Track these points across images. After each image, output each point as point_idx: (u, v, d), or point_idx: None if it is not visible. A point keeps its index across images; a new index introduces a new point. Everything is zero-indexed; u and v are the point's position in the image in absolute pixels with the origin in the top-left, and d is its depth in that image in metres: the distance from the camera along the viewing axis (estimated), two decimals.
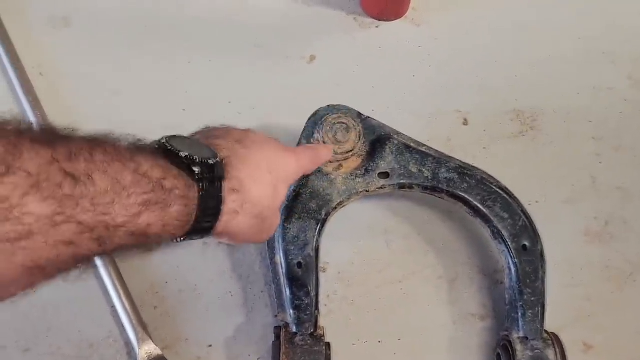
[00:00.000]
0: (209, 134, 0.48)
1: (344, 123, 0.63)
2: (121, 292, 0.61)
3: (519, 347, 0.58)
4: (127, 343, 0.61)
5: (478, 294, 0.65)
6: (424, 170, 0.63)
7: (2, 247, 0.30)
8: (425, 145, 0.65)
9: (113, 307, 0.62)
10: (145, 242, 0.38)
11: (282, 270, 0.59)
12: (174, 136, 0.42)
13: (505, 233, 0.61)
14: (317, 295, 0.59)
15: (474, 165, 0.64)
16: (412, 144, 0.64)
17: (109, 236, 0.35)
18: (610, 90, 0.77)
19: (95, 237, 0.34)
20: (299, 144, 0.63)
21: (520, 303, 0.59)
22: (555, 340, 0.58)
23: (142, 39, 0.77)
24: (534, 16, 0.82)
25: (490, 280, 0.66)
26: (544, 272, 0.60)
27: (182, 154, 0.40)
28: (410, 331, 0.64)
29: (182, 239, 0.42)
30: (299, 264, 0.59)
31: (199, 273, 0.65)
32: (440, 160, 0.64)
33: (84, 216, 0.33)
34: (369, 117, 0.65)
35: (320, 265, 0.62)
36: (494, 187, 0.62)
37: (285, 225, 0.60)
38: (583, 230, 0.69)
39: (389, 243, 0.67)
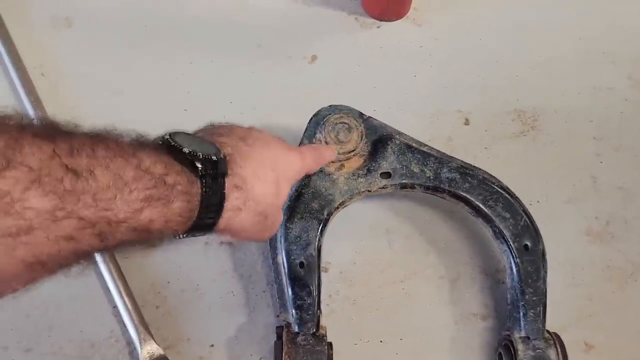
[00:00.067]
0: (212, 131, 0.48)
1: (345, 123, 0.63)
2: (123, 291, 0.61)
3: (520, 346, 0.58)
4: (129, 343, 0.61)
5: (480, 294, 0.66)
6: (425, 170, 0.63)
7: (3, 242, 0.30)
8: (426, 145, 0.65)
9: (115, 306, 0.62)
10: (147, 237, 0.38)
11: (284, 270, 0.59)
12: (178, 132, 0.42)
13: (506, 233, 0.61)
14: (319, 295, 0.59)
15: (475, 165, 0.65)
16: (413, 144, 0.64)
17: (111, 232, 0.35)
18: (611, 90, 0.78)
19: (96, 233, 0.34)
20: (300, 143, 0.64)
21: (522, 303, 0.59)
22: (556, 340, 0.58)
23: (144, 40, 0.77)
24: (535, 16, 0.82)
25: (492, 280, 0.66)
26: (546, 272, 0.60)
27: (185, 149, 0.40)
28: (412, 331, 0.64)
29: (184, 235, 0.42)
30: (301, 264, 0.59)
31: (201, 273, 0.65)
32: (441, 160, 0.64)
33: (86, 211, 0.33)
34: (370, 117, 0.65)
35: (322, 265, 0.62)
36: (495, 187, 0.63)
37: (288, 225, 0.60)
38: (584, 230, 0.69)
39: (391, 243, 0.68)
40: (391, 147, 0.64)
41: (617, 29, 0.82)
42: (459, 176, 0.63)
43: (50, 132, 0.33)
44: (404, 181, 0.63)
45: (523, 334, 0.59)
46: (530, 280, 0.60)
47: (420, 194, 0.65)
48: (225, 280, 0.64)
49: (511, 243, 0.61)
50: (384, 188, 0.63)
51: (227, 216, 0.43)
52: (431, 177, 0.63)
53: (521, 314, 0.59)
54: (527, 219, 0.62)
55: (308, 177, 0.62)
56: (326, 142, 0.63)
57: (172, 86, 0.74)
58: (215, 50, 0.77)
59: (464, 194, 0.63)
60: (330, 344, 0.58)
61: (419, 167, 0.63)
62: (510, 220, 0.61)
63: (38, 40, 0.75)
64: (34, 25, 0.76)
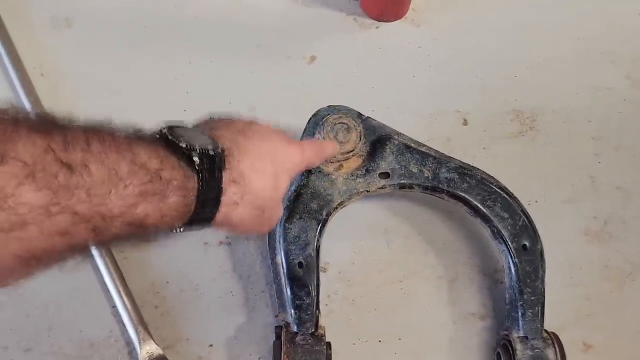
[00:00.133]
0: (212, 124, 0.47)
1: (344, 123, 0.64)
2: (122, 291, 0.61)
3: (519, 346, 0.58)
4: (129, 343, 0.61)
5: (478, 294, 0.66)
6: (424, 170, 0.63)
7: None
8: (425, 146, 0.65)
9: (114, 307, 0.62)
10: (143, 232, 0.38)
11: (283, 270, 0.59)
12: (176, 125, 0.42)
13: (505, 233, 0.61)
14: (318, 295, 0.59)
15: (474, 165, 0.65)
16: (412, 145, 0.64)
17: (106, 227, 0.35)
18: (610, 90, 0.78)
19: (91, 228, 0.34)
20: None
21: (521, 303, 0.59)
22: (555, 340, 0.58)
23: (143, 40, 0.77)
24: (534, 16, 0.82)
25: (491, 280, 0.66)
26: (544, 272, 0.60)
27: (182, 144, 0.39)
28: (411, 331, 0.64)
29: (181, 229, 0.41)
30: (300, 264, 0.59)
31: (200, 273, 0.65)
32: (440, 160, 0.64)
33: (80, 207, 0.33)
34: (369, 118, 0.65)
35: (321, 265, 0.62)
36: (494, 187, 0.63)
37: (287, 225, 0.60)
38: (583, 230, 0.69)
39: (390, 243, 0.68)
40: (390, 148, 0.64)
41: (617, 29, 0.82)
42: (457, 176, 0.63)
43: (46, 126, 0.33)
44: (402, 181, 0.63)
45: (522, 334, 0.59)
46: (528, 281, 0.60)
47: (419, 194, 0.65)
48: (225, 281, 0.65)
49: (510, 243, 0.61)
50: (382, 188, 0.63)
51: (225, 211, 0.42)
52: (430, 178, 0.63)
53: (520, 314, 0.59)
54: (525, 219, 0.62)
55: (307, 177, 0.62)
56: None
57: (171, 86, 0.74)
58: (214, 50, 0.77)
59: (463, 194, 0.63)
60: (329, 344, 0.58)
61: (418, 167, 0.63)
62: (509, 220, 0.61)
63: (38, 41, 0.76)
64: (33, 26, 0.77)
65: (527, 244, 0.61)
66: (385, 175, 0.63)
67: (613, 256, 0.68)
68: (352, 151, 0.63)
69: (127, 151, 0.36)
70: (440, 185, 0.63)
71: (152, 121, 0.43)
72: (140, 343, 0.60)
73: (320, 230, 0.60)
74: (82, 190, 0.33)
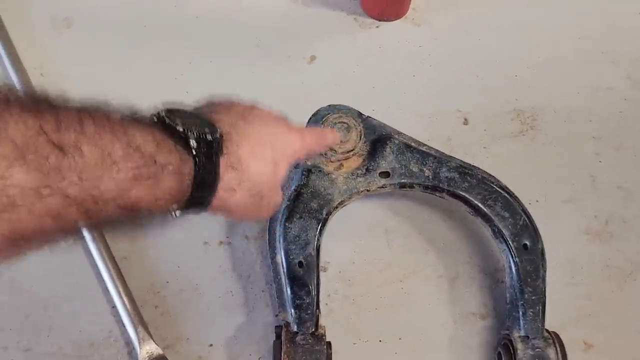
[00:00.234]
0: (212, 107, 0.46)
1: (344, 122, 0.64)
2: (122, 291, 0.61)
3: (519, 346, 0.58)
4: (128, 342, 0.61)
5: (479, 293, 0.66)
6: (424, 169, 0.63)
7: None
8: (425, 145, 0.65)
9: (114, 306, 0.62)
10: (135, 215, 0.37)
11: (283, 269, 0.59)
12: (174, 108, 0.41)
13: (505, 232, 0.61)
14: (317, 294, 0.59)
15: (474, 164, 0.65)
16: (412, 144, 0.64)
17: (98, 209, 0.34)
18: (610, 89, 0.78)
19: (82, 210, 0.33)
20: None
21: (521, 302, 0.59)
22: (555, 339, 0.58)
23: (143, 40, 0.77)
24: (534, 16, 0.82)
25: (491, 279, 0.66)
26: (545, 271, 0.60)
27: (179, 127, 0.38)
28: (411, 330, 0.64)
29: (177, 213, 0.41)
30: (300, 263, 0.59)
31: (200, 272, 0.65)
32: (440, 159, 0.64)
33: (71, 189, 0.32)
34: (369, 117, 0.65)
35: (321, 264, 0.62)
36: (494, 187, 0.63)
37: (287, 224, 0.60)
38: (583, 229, 0.69)
39: (390, 242, 0.68)
40: (390, 147, 0.64)
41: (617, 29, 0.82)
42: (457, 175, 0.63)
43: (38, 106, 0.32)
44: (402, 181, 0.63)
45: (522, 333, 0.58)
46: (529, 280, 0.60)
47: (419, 193, 0.65)
48: (224, 280, 0.64)
49: (510, 242, 0.61)
50: (382, 187, 0.63)
51: (221, 196, 0.42)
52: (430, 177, 0.63)
53: (520, 313, 0.59)
54: (526, 218, 0.62)
55: (307, 176, 0.62)
56: None
57: (171, 86, 0.74)
58: (214, 50, 0.77)
59: (463, 194, 0.62)
60: (329, 344, 0.58)
61: (418, 166, 0.63)
62: (510, 219, 0.61)
63: (37, 41, 0.76)
64: (33, 26, 0.77)
65: (527, 243, 0.61)
66: (386, 175, 0.63)
67: (614, 255, 0.68)
68: (352, 150, 0.63)
69: (121, 133, 0.35)
70: (441, 185, 0.63)
71: None
72: (139, 343, 0.59)
73: (320, 230, 0.60)
74: (74, 173, 0.32)
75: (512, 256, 0.60)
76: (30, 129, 0.31)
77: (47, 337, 0.61)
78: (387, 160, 0.63)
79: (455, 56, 0.79)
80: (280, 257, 0.59)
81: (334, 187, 0.62)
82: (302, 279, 0.58)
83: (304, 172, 0.62)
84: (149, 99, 0.72)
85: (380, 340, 0.63)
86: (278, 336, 0.58)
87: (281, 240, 0.60)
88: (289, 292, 0.58)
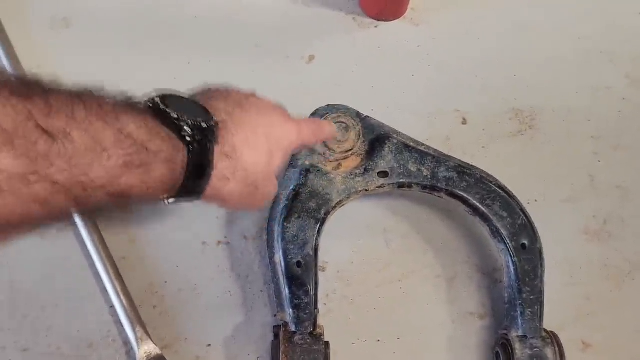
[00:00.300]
0: (209, 94, 0.45)
1: (343, 122, 0.64)
2: (120, 291, 0.61)
3: (517, 345, 0.58)
4: (126, 342, 0.61)
5: (477, 293, 0.66)
6: (423, 169, 0.63)
7: None
8: (424, 145, 0.65)
9: (112, 306, 0.62)
10: (126, 202, 0.37)
11: (281, 269, 0.59)
12: (169, 94, 0.40)
13: (504, 232, 0.61)
14: (316, 294, 0.59)
15: (473, 164, 0.65)
16: (411, 143, 0.64)
17: (87, 196, 0.34)
18: (609, 89, 0.78)
19: (71, 197, 0.33)
20: None
21: (520, 302, 0.59)
22: (554, 339, 0.58)
23: (142, 40, 0.77)
24: (534, 16, 0.82)
25: (489, 279, 0.66)
26: (543, 271, 0.60)
27: (173, 114, 0.38)
28: (410, 330, 0.64)
29: (169, 200, 0.40)
30: (299, 263, 0.59)
31: (198, 272, 0.65)
32: (439, 159, 0.64)
33: (60, 176, 0.32)
34: (368, 117, 0.65)
35: (320, 264, 0.62)
36: (493, 186, 0.63)
37: (285, 224, 0.60)
38: (582, 228, 0.69)
39: (388, 242, 0.68)
40: (389, 147, 0.64)
41: (616, 29, 0.82)
42: (456, 175, 0.63)
43: (28, 90, 0.32)
44: (401, 180, 0.63)
45: (520, 332, 0.58)
46: (527, 279, 0.60)
47: (418, 193, 0.65)
48: (223, 280, 0.64)
49: (509, 242, 0.61)
50: (381, 187, 0.63)
51: (215, 185, 0.41)
52: (428, 176, 0.63)
53: (519, 312, 0.59)
54: (524, 218, 0.62)
55: (306, 176, 0.62)
56: (324, 142, 0.63)
57: (170, 86, 0.73)
58: (213, 49, 0.77)
59: (462, 193, 0.62)
60: (327, 343, 0.58)
61: (417, 166, 0.63)
62: (508, 219, 0.61)
63: (36, 41, 0.75)
64: (32, 26, 0.77)
65: (526, 242, 0.61)
66: (384, 174, 0.63)
67: (612, 255, 0.68)
68: (350, 150, 0.63)
69: (113, 119, 0.34)
70: (439, 184, 0.63)
71: None
72: (138, 342, 0.59)
73: (319, 229, 0.60)
74: (63, 159, 0.31)
75: (510, 256, 0.60)
76: (20, 113, 0.30)
77: (45, 337, 0.61)
78: (386, 160, 0.63)
79: (454, 56, 0.79)
80: (279, 257, 0.59)
81: (332, 187, 0.62)
82: (301, 279, 0.58)
83: (303, 172, 0.62)
84: None
85: (378, 340, 0.63)
86: (276, 336, 0.58)
87: (279, 240, 0.60)
88: (287, 292, 0.58)
